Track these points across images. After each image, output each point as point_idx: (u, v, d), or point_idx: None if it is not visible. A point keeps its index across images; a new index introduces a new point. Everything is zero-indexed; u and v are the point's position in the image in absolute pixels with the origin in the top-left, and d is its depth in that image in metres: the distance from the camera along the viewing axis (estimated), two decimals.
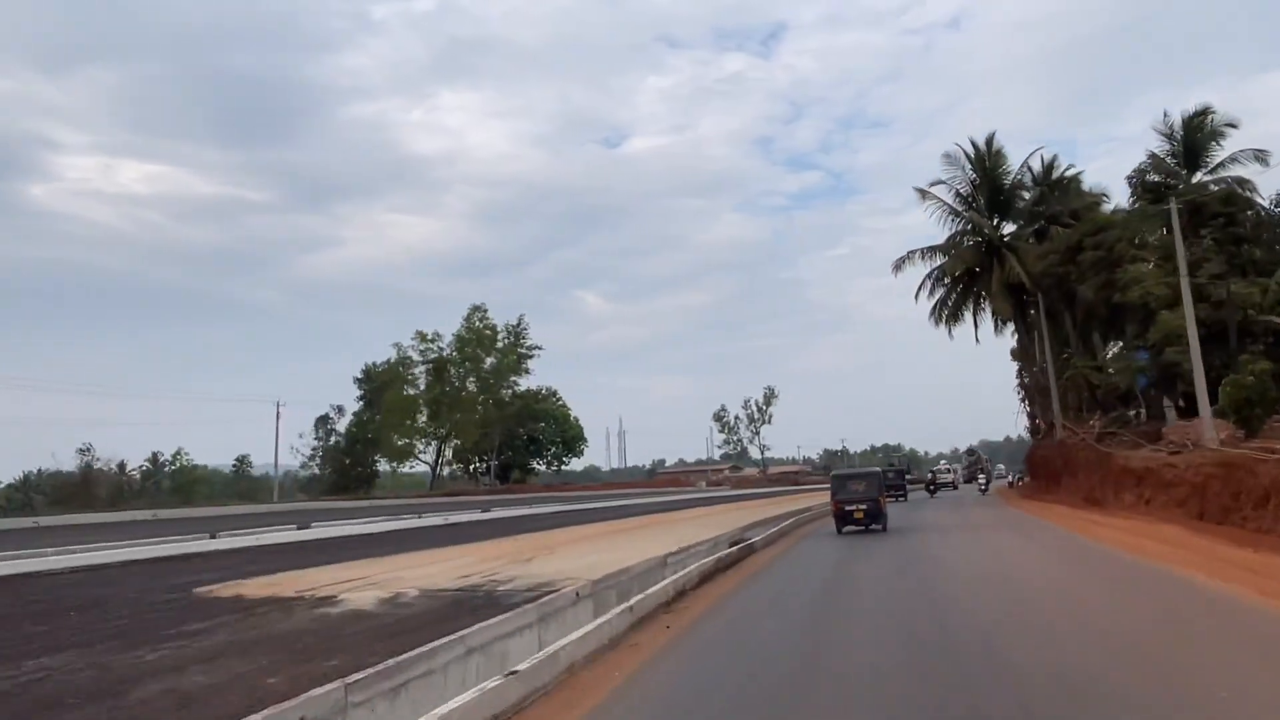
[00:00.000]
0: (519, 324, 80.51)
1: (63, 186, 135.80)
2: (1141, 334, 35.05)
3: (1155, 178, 36.72)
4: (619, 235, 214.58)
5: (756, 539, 20.30)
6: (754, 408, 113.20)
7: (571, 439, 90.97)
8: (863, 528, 23.11)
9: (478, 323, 75.26)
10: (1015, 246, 44.70)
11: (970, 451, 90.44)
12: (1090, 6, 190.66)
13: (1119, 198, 43.03)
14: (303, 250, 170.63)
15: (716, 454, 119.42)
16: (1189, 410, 31.44)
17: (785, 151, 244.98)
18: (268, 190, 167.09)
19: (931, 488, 55.28)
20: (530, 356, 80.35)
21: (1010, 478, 62.16)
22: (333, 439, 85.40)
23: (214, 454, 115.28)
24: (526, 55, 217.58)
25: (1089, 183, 47.75)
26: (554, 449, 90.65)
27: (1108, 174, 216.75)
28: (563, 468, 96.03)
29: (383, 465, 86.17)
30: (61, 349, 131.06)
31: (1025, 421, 60.76)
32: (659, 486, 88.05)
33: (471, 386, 73.92)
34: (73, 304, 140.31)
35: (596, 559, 13.98)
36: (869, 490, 23.32)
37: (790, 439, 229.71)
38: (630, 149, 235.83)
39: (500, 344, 79.52)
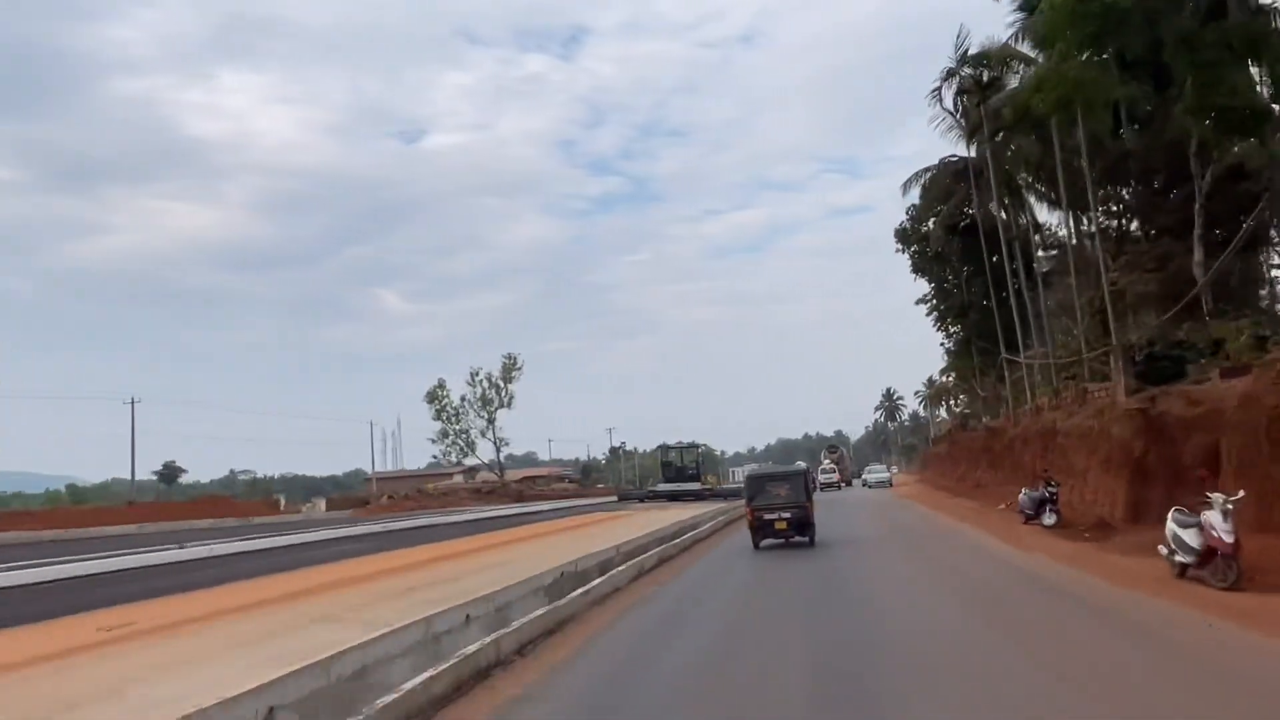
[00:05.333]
0: None
1: None
2: None
3: None
4: (418, 233, 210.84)
5: None
6: (485, 385, 71.96)
7: None
8: (784, 540, 18.69)
9: None
10: None
11: (833, 449, 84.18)
12: (877, 28, 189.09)
13: None
14: (64, 236, 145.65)
15: (432, 452, 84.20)
16: None
17: (587, 155, 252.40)
18: (17, 168, 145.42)
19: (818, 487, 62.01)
20: None
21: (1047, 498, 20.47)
22: None
23: None
24: (316, 39, 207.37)
25: None
26: None
27: (887, 191, 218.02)
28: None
29: None
30: None
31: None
32: (219, 516, 46.91)
33: None
34: None
35: None
36: (793, 494, 18.72)
37: (573, 440, 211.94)
38: (430, 144, 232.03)
39: None
